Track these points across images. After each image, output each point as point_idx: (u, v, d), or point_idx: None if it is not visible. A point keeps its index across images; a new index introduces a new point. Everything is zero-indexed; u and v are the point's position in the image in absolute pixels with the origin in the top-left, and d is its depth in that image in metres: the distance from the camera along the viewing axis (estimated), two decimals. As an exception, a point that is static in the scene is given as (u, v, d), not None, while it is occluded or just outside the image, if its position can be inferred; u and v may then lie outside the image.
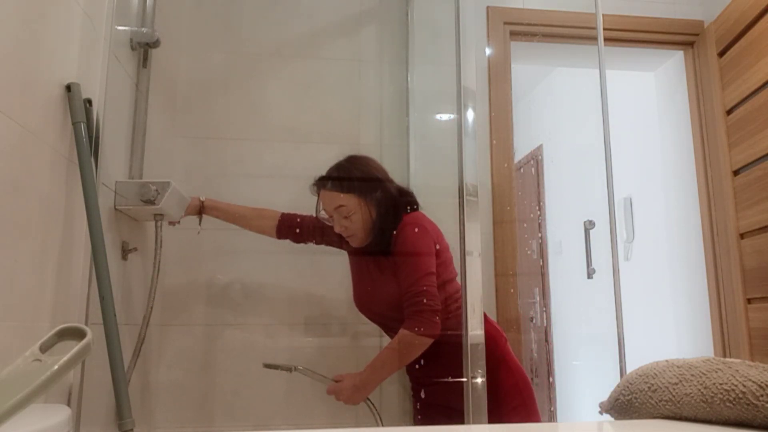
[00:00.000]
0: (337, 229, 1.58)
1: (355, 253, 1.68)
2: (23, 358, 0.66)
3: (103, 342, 1.22)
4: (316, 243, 1.73)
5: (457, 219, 1.32)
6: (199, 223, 1.71)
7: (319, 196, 1.60)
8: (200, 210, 1.71)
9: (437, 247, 1.54)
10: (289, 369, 1.72)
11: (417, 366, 1.57)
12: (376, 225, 1.56)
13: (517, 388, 1.53)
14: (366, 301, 1.66)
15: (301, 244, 1.74)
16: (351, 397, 1.53)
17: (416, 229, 1.53)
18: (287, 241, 1.74)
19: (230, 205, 1.74)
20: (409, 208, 1.60)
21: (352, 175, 1.58)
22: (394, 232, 1.54)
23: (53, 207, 1.17)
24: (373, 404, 1.71)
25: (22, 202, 1.04)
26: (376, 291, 1.61)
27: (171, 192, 1.55)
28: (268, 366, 1.74)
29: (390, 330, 1.64)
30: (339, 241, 1.67)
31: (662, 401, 0.77)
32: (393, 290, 1.52)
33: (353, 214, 1.55)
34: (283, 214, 1.73)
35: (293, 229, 1.71)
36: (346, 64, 2.08)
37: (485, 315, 1.53)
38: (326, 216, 1.61)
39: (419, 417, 1.67)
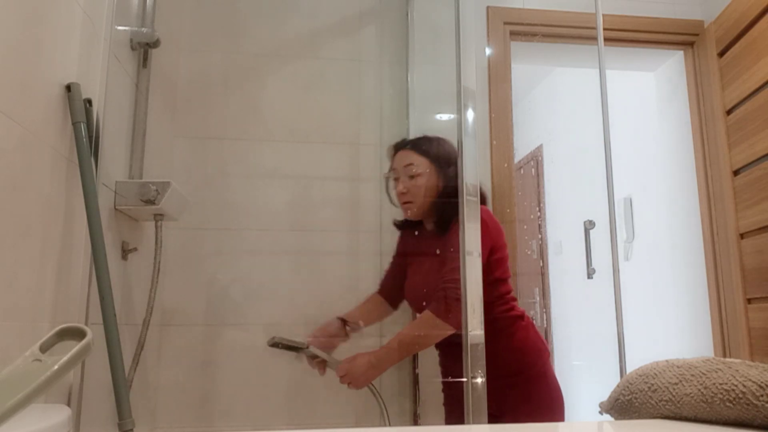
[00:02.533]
0: (399, 189, 1.57)
1: (413, 239, 1.65)
2: (23, 358, 0.66)
3: (103, 342, 1.22)
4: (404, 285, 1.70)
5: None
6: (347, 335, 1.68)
7: (395, 156, 1.61)
8: (346, 333, 1.67)
9: (493, 245, 1.52)
10: (297, 348, 1.59)
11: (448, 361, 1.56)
12: (438, 200, 1.55)
13: (552, 405, 1.51)
14: (416, 286, 1.61)
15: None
16: (364, 374, 1.47)
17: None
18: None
19: (355, 311, 1.73)
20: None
21: (433, 146, 1.59)
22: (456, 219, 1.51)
23: (53, 207, 1.17)
24: (377, 390, 1.68)
25: (22, 202, 1.04)
26: (429, 274, 1.57)
27: (171, 192, 1.55)
28: (274, 345, 1.60)
29: None
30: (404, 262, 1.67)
31: (662, 401, 0.77)
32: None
33: (420, 176, 1.54)
34: (380, 292, 1.74)
35: (394, 290, 1.71)
36: (346, 64, 2.08)
37: (534, 327, 1.55)
38: (393, 176, 1.61)
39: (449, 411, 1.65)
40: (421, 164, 1.55)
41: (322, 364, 1.60)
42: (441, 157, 1.57)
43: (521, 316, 1.56)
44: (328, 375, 1.63)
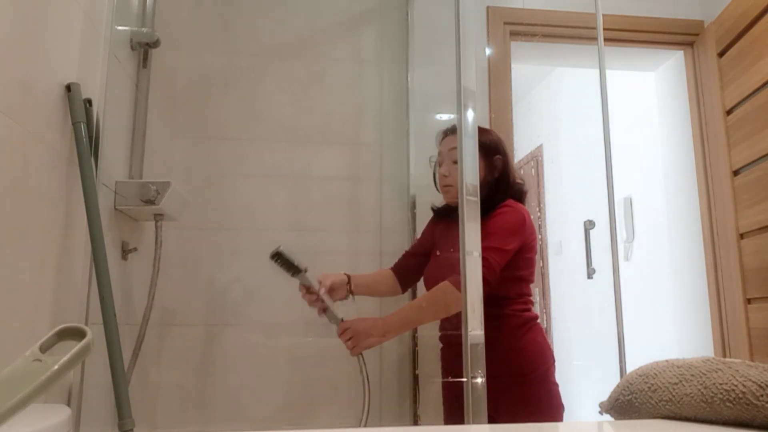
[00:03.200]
0: (441, 171, 1.57)
1: (445, 227, 1.63)
2: (23, 358, 0.66)
3: (103, 342, 1.22)
4: (420, 269, 1.69)
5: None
6: (352, 298, 1.63)
7: (442, 141, 1.61)
8: (350, 290, 1.62)
9: (524, 243, 1.51)
10: (296, 269, 1.52)
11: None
12: (481, 186, 1.50)
13: (551, 412, 1.49)
14: (440, 270, 1.58)
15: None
16: (368, 338, 1.42)
17: (516, 215, 1.52)
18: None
19: (364, 276, 1.70)
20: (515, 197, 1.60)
21: (481, 135, 1.52)
22: (496, 209, 1.52)
23: (53, 207, 1.17)
24: (364, 363, 1.56)
25: (22, 202, 1.04)
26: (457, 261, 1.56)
27: (171, 192, 1.55)
28: (275, 256, 1.51)
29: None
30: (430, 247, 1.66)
31: (662, 401, 0.77)
32: None
33: None
34: (393, 269, 1.72)
35: (409, 272, 1.70)
36: (346, 64, 2.08)
37: (544, 333, 1.54)
38: (438, 159, 1.61)
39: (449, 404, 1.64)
40: None
41: (320, 304, 1.53)
42: (487, 146, 1.56)
43: (534, 319, 1.55)
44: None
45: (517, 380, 1.48)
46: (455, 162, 1.54)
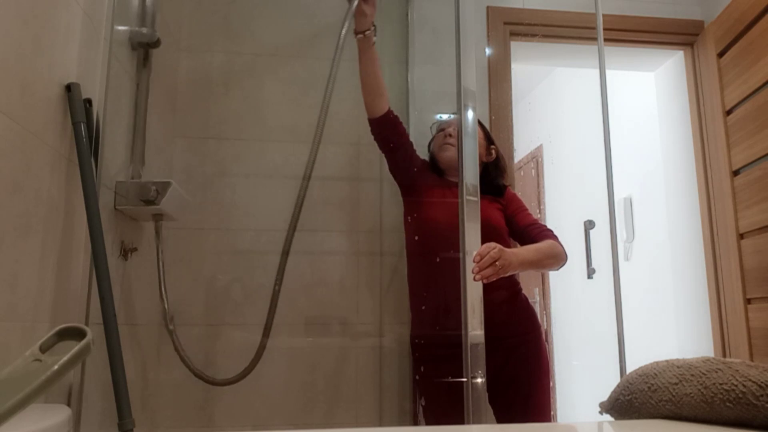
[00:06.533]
0: (448, 130, 1.70)
1: (453, 191, 1.68)
2: (23, 358, 0.66)
3: (103, 342, 1.22)
4: (394, 155, 1.73)
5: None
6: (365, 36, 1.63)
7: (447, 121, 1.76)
8: (368, 31, 1.62)
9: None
10: None
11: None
12: (482, 164, 1.70)
13: (547, 366, 1.65)
14: (446, 223, 1.61)
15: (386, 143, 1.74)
16: (510, 261, 1.39)
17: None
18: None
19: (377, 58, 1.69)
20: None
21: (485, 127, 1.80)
22: (505, 189, 1.74)
23: (53, 207, 1.17)
24: None
25: (22, 202, 1.04)
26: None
27: (171, 192, 1.55)
28: None
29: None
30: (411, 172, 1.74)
31: (662, 401, 0.77)
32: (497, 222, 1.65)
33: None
34: (390, 110, 1.72)
35: (395, 124, 1.71)
36: (346, 64, 2.07)
37: (527, 300, 1.70)
38: (444, 126, 1.74)
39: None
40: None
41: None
42: (490, 135, 1.78)
43: (518, 283, 1.74)
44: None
45: (528, 337, 1.65)
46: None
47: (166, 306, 1.58)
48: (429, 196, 1.70)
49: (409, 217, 1.73)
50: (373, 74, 1.66)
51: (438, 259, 1.63)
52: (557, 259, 1.60)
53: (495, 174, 1.75)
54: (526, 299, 1.70)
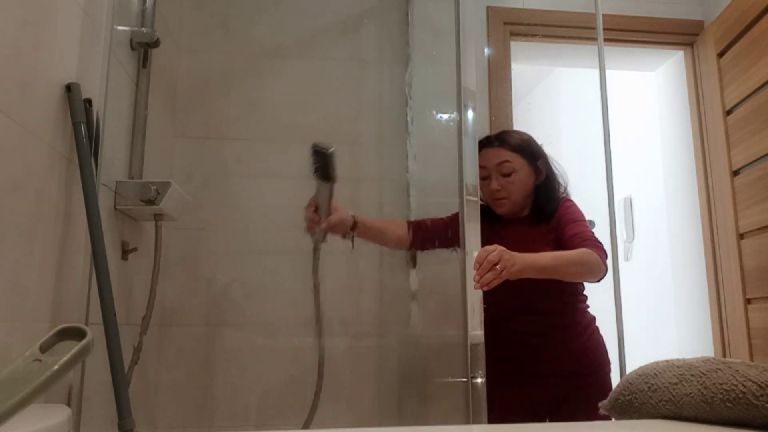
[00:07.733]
0: (493, 186, 1.55)
1: (502, 226, 1.61)
2: (23, 358, 0.66)
3: (103, 342, 1.21)
4: (438, 245, 1.65)
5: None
6: (352, 245, 1.55)
7: (480, 153, 1.53)
8: (353, 227, 1.54)
9: None
10: (327, 177, 1.42)
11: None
12: (533, 193, 1.58)
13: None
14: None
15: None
16: (513, 263, 1.27)
17: (578, 208, 1.58)
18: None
19: (373, 220, 1.63)
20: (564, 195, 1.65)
21: (522, 141, 1.59)
22: (556, 208, 1.57)
23: (53, 207, 1.17)
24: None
25: (22, 202, 1.04)
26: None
27: (171, 192, 1.55)
28: (318, 153, 1.41)
29: (528, 314, 1.55)
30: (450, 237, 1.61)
31: (662, 401, 0.77)
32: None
33: (515, 173, 1.54)
34: (410, 222, 1.69)
35: (424, 233, 1.65)
36: (346, 64, 2.08)
37: (600, 339, 1.59)
38: (483, 174, 1.56)
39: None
40: (514, 161, 1.55)
41: (314, 227, 1.50)
42: (530, 151, 1.59)
43: (594, 319, 1.61)
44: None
45: (587, 380, 1.51)
46: (504, 175, 1.55)
47: (151, 304, 1.57)
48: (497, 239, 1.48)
49: None
50: (383, 237, 1.65)
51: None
52: (586, 267, 1.41)
53: (545, 198, 1.58)
54: (597, 334, 1.58)
